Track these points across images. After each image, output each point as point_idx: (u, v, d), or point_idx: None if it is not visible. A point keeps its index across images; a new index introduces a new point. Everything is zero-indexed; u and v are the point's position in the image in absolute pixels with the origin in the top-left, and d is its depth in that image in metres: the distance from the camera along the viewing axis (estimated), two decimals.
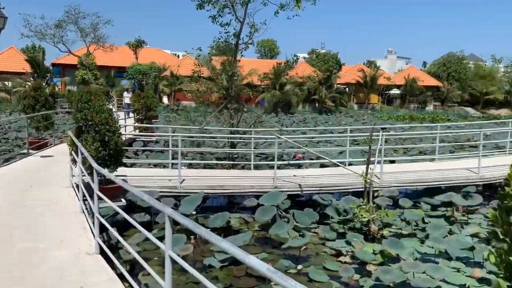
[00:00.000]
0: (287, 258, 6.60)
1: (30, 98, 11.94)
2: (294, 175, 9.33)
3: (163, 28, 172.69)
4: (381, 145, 8.81)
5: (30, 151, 11.12)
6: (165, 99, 42.94)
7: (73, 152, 7.21)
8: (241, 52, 11.83)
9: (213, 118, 12.26)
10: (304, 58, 62.07)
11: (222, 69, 12.09)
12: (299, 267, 6.19)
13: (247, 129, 11.19)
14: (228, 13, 11.51)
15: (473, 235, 7.71)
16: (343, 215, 7.87)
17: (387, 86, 54.33)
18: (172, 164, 10.31)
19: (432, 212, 8.99)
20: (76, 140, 6.71)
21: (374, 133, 8.42)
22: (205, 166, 11.34)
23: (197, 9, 11.44)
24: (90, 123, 6.84)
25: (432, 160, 11.53)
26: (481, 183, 9.52)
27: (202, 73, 12.31)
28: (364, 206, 7.53)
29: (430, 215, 8.81)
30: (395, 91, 59.52)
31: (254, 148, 11.78)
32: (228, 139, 11.53)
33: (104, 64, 40.12)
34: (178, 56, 75.83)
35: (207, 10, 11.48)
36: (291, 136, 10.75)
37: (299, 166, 11.45)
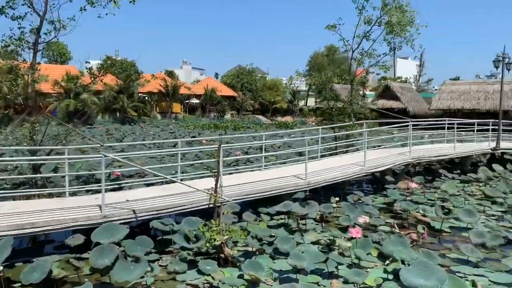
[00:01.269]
0: None
1: None
2: (127, 200, 7.94)
3: None
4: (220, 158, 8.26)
5: None
6: None
7: None
8: (42, 53, 9.68)
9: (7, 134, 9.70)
10: (101, 65, 58.05)
11: (15, 73, 9.68)
12: None
13: (60, 147, 9.12)
14: (23, 4, 9.28)
15: (315, 243, 7.86)
16: (193, 241, 6.97)
17: (188, 95, 55.36)
18: None
19: (271, 223, 8.91)
20: None
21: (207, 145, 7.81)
22: None
23: None
24: None
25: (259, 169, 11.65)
26: (308, 188, 9.95)
27: None
28: (215, 228, 6.81)
29: (270, 225, 8.70)
30: (194, 101, 61.33)
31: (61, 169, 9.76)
32: (30, 161, 9.21)
33: None
34: None
35: None
36: (122, 154, 9.27)
37: (120, 188, 9.96)
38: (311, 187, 10.04)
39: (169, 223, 7.68)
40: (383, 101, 50.20)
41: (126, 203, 7.87)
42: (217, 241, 6.69)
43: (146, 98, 50.61)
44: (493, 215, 10.00)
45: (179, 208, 8.15)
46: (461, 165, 16.23)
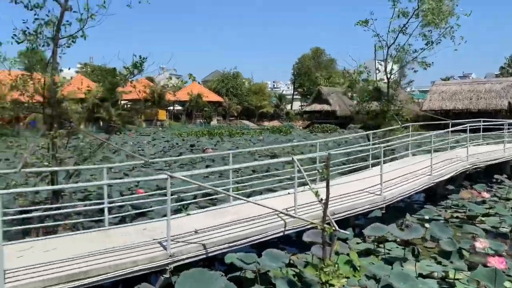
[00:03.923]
0: None
1: None
2: (195, 231, 6.24)
3: None
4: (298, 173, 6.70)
5: None
6: None
7: None
8: (63, 50, 7.88)
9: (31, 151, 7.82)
10: (77, 72, 55.29)
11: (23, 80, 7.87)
12: None
13: (100, 166, 7.28)
14: None
15: (426, 276, 6.35)
16: (300, 286, 5.32)
17: (172, 102, 53.29)
18: None
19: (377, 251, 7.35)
20: None
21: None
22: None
23: None
24: None
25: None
26: (384, 205, 8.45)
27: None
28: (327, 269, 5.21)
29: (374, 253, 7.13)
30: (177, 107, 59.36)
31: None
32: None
33: None
34: None
35: None
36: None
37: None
38: (388, 203, 8.55)
39: (250, 260, 6.01)
40: (315, 105, 55.53)
41: (192, 236, 6.18)
42: (333, 286, 5.11)
43: (129, 105, 48.19)
44: None
45: (253, 237, 6.53)
46: (499, 170, 15.06)
